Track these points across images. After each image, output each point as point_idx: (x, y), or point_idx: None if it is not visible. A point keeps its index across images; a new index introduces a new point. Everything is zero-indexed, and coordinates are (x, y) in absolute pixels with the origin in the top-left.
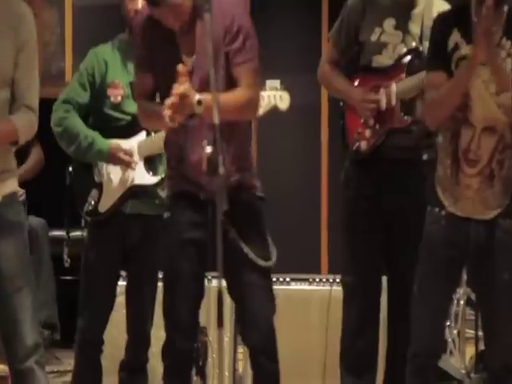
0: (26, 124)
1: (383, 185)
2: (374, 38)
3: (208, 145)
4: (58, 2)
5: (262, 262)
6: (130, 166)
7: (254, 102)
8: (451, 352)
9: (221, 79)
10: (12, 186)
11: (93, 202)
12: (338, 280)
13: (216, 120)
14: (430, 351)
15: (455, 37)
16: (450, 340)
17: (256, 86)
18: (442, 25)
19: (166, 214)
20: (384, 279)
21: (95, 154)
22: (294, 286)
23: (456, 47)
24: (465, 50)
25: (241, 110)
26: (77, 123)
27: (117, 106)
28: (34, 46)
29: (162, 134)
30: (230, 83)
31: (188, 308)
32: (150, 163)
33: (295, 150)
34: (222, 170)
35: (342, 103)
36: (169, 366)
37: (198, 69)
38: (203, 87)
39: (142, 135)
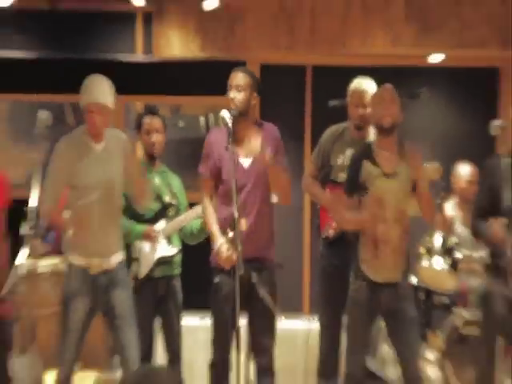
0: None
1: (345, 257)
2: (339, 162)
3: (231, 231)
4: None
5: (275, 311)
6: (156, 242)
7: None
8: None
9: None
10: (121, 255)
11: (134, 271)
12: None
13: (236, 214)
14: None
15: (367, 166)
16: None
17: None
18: (355, 161)
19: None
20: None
21: (135, 235)
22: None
23: (369, 173)
24: (375, 171)
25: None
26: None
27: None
28: None
29: (178, 220)
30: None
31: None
32: (169, 240)
33: (286, 234)
34: (239, 248)
35: (318, 205)
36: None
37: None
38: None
39: (163, 222)
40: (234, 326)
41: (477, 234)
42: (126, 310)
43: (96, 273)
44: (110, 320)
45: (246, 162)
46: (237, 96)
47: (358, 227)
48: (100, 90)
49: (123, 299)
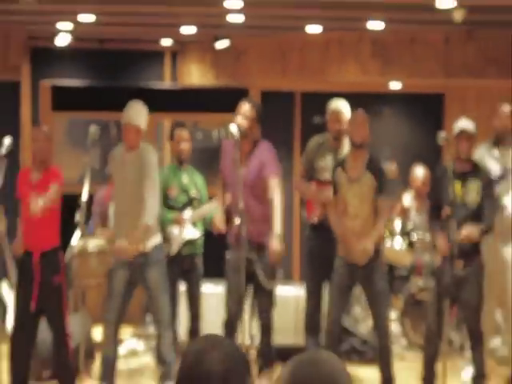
0: None
1: (326, 239)
2: (321, 165)
3: (238, 218)
4: None
5: (269, 285)
6: (184, 226)
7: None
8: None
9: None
10: (158, 239)
11: (166, 250)
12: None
13: (241, 206)
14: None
15: (338, 172)
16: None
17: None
18: (334, 168)
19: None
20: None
21: (168, 221)
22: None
23: (339, 178)
24: (343, 176)
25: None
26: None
27: (175, 198)
28: None
29: (201, 210)
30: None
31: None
32: (194, 225)
33: (287, 213)
34: (244, 233)
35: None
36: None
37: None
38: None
39: (189, 211)
40: (242, 293)
41: (430, 232)
42: (159, 285)
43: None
44: (146, 291)
45: (243, 171)
46: (242, 123)
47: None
48: (136, 114)
49: (157, 276)
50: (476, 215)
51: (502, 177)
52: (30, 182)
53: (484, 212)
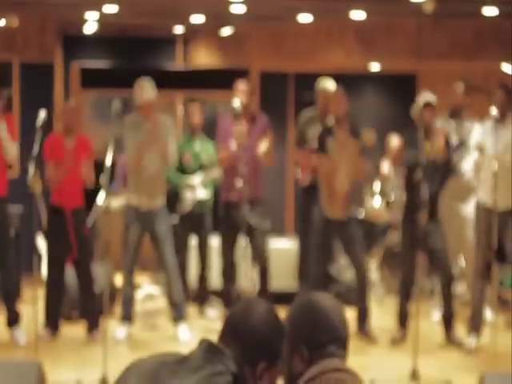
0: None
1: (315, 197)
2: (312, 134)
3: (240, 179)
4: None
5: (261, 225)
6: (196, 188)
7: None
8: None
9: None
10: (164, 199)
11: (180, 208)
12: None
13: (242, 171)
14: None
15: (328, 140)
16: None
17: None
18: (321, 135)
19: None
20: None
21: (182, 183)
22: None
23: (330, 144)
24: (333, 143)
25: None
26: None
27: (188, 164)
28: None
29: (211, 174)
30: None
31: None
32: (205, 187)
33: (275, 181)
34: (246, 191)
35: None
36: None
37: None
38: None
39: (200, 175)
40: (235, 245)
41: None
42: (167, 237)
43: (145, 210)
44: (154, 242)
45: (244, 139)
46: (242, 98)
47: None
48: (148, 92)
49: (165, 229)
50: (441, 171)
51: (459, 146)
52: (64, 147)
53: None
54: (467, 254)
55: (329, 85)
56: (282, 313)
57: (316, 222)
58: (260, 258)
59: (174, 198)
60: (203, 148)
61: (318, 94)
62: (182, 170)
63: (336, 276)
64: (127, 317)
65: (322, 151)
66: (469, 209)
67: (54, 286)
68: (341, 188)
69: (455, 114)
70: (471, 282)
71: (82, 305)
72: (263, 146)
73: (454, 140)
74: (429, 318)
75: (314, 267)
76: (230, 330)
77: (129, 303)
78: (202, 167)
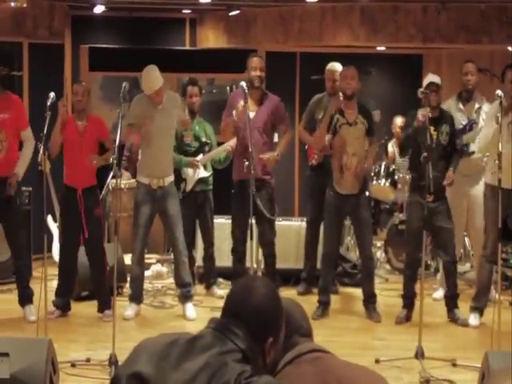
0: None
1: (324, 178)
2: (319, 116)
3: (247, 161)
4: None
5: (269, 215)
6: (198, 168)
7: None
8: None
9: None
10: (172, 177)
11: (182, 187)
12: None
13: (250, 149)
14: (332, 251)
15: (338, 117)
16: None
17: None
18: (332, 116)
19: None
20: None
21: (184, 163)
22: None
23: (339, 122)
24: (342, 120)
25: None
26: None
27: (189, 144)
28: None
29: (211, 154)
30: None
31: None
32: (205, 166)
33: (283, 164)
34: (253, 173)
35: (306, 147)
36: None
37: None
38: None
39: (201, 155)
40: (247, 224)
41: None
42: (175, 213)
43: (155, 188)
44: (164, 220)
45: (251, 114)
46: (257, 73)
47: (327, 150)
48: (156, 79)
49: (173, 206)
50: (448, 153)
51: (469, 126)
52: (77, 129)
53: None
54: (475, 235)
55: (337, 67)
56: (290, 292)
57: (328, 199)
58: (267, 246)
59: (176, 177)
60: (202, 128)
61: (326, 77)
62: (183, 150)
63: (343, 254)
64: (136, 296)
65: (333, 129)
66: (477, 189)
67: (67, 264)
68: (350, 164)
69: (465, 95)
70: (479, 262)
71: (93, 284)
72: (271, 158)
73: (463, 121)
74: (432, 297)
75: (325, 244)
76: (233, 311)
77: (138, 283)
78: (202, 147)
